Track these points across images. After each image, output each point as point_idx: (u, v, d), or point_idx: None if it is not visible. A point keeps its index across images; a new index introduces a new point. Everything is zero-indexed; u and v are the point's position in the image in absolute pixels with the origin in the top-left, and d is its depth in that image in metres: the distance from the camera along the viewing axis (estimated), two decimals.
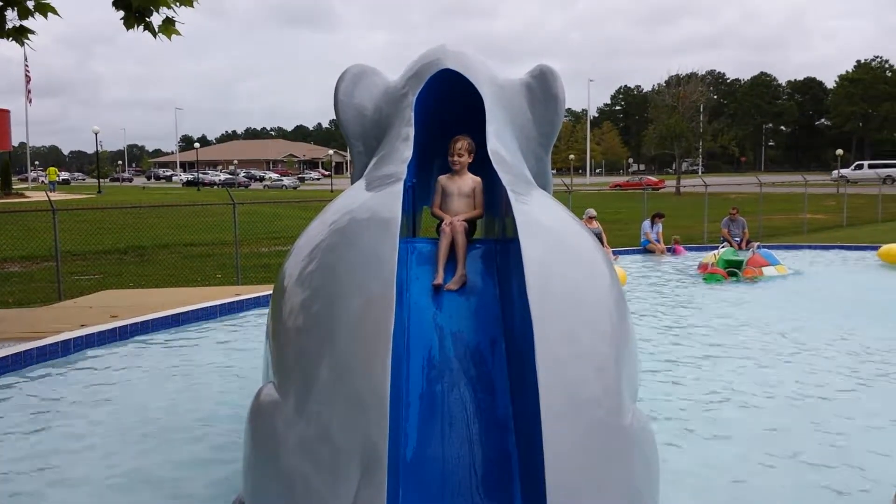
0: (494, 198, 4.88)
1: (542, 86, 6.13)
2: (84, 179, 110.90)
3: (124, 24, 8.09)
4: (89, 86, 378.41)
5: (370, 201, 4.18)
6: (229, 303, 10.21)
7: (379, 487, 2.73)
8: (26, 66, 63.99)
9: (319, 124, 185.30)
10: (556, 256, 3.70)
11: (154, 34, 8.11)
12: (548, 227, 4.03)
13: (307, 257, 3.86)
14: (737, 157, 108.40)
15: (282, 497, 3.03)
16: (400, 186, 4.16)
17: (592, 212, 17.49)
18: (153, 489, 4.83)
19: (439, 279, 4.38)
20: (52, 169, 73.70)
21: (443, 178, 4.96)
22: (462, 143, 4.90)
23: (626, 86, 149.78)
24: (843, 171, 61.52)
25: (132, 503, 4.65)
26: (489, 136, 5.27)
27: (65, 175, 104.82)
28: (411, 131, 5.35)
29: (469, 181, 4.87)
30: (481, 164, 5.10)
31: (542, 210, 4.29)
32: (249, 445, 3.36)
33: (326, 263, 3.70)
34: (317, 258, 3.79)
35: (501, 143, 5.40)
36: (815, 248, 19.31)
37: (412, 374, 3.91)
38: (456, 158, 4.89)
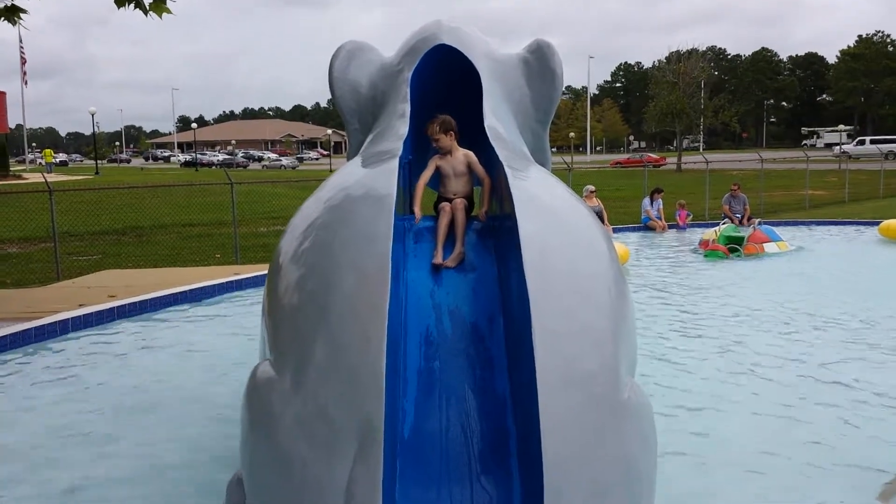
0: (492, 174, 4.82)
1: (539, 61, 6.05)
2: (82, 161, 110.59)
3: (115, 1, 8.00)
4: (85, 67, 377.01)
5: (365, 178, 4.14)
6: (227, 282, 10.20)
7: (375, 464, 2.71)
8: (21, 47, 63.66)
9: (318, 104, 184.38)
10: (554, 232, 3.67)
11: (145, 12, 8.03)
12: (545, 203, 3.99)
13: (302, 235, 3.82)
14: (738, 133, 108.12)
15: (278, 474, 3.02)
16: (395, 163, 4.12)
17: (592, 188, 17.41)
18: (151, 466, 4.83)
19: (438, 258, 4.34)
20: (47, 151, 73.63)
21: (436, 158, 4.81)
22: (432, 127, 4.68)
23: (626, 62, 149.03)
24: (846, 147, 61.28)
25: (129, 478, 4.65)
26: (486, 112, 5.21)
27: (62, 157, 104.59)
28: (407, 107, 5.29)
29: (461, 158, 4.75)
30: (478, 141, 5.05)
31: (539, 186, 4.25)
32: (246, 422, 3.34)
33: (321, 241, 3.67)
34: (311, 236, 3.75)
35: (498, 120, 5.34)
36: (817, 223, 19.28)
37: (410, 351, 3.88)
38: (434, 145, 4.75)
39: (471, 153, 4.76)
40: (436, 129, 4.68)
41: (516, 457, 3.38)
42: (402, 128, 5.03)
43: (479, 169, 4.75)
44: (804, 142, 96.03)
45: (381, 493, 2.66)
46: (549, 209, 3.95)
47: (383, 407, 2.80)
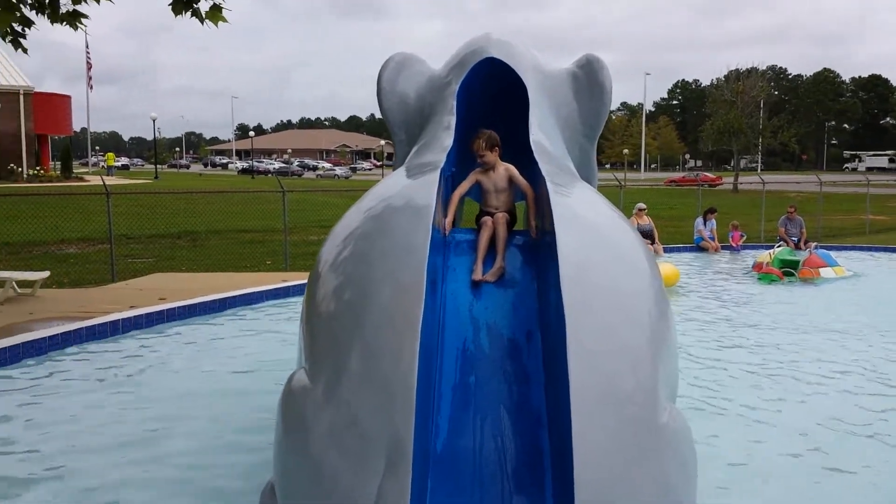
0: (535, 189, 4.78)
1: (588, 75, 6.00)
2: (143, 165, 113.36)
3: (172, 9, 8.18)
4: (150, 73, 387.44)
5: (405, 189, 4.14)
6: (275, 289, 10.31)
7: (403, 480, 2.69)
8: (88, 53, 65.65)
9: (373, 115, 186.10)
10: (593, 249, 3.61)
11: (201, 20, 8.19)
12: (586, 219, 3.94)
13: (342, 244, 3.84)
14: (797, 154, 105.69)
15: (309, 483, 3.02)
16: (436, 175, 4.10)
17: (642, 205, 17.17)
18: (189, 472, 4.88)
19: (478, 274, 4.29)
20: (110, 154, 75.70)
21: (478, 172, 4.77)
22: (478, 143, 4.65)
23: (683, 80, 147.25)
24: None
25: (171, 484, 4.70)
26: (532, 126, 5.18)
27: (124, 161, 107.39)
28: (453, 120, 5.29)
29: (502, 173, 4.70)
30: (524, 154, 5.01)
31: (580, 202, 4.20)
32: (280, 430, 3.35)
33: (359, 250, 3.68)
34: (350, 245, 3.76)
35: (544, 134, 5.30)
36: (877, 249, 18.70)
37: (445, 365, 3.85)
38: (479, 161, 4.70)
39: (511, 167, 4.73)
40: (482, 146, 4.65)
41: (550, 475, 3.33)
42: (447, 140, 5.02)
43: (522, 181, 4.70)
44: (845, 165, 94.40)
45: None
46: (589, 225, 3.90)
47: (413, 421, 2.78)
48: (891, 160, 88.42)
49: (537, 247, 4.56)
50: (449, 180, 4.89)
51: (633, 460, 2.85)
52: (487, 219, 4.56)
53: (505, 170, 4.70)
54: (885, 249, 18.74)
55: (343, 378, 3.09)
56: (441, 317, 4.04)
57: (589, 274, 3.37)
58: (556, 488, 3.22)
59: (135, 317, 8.38)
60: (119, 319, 8.19)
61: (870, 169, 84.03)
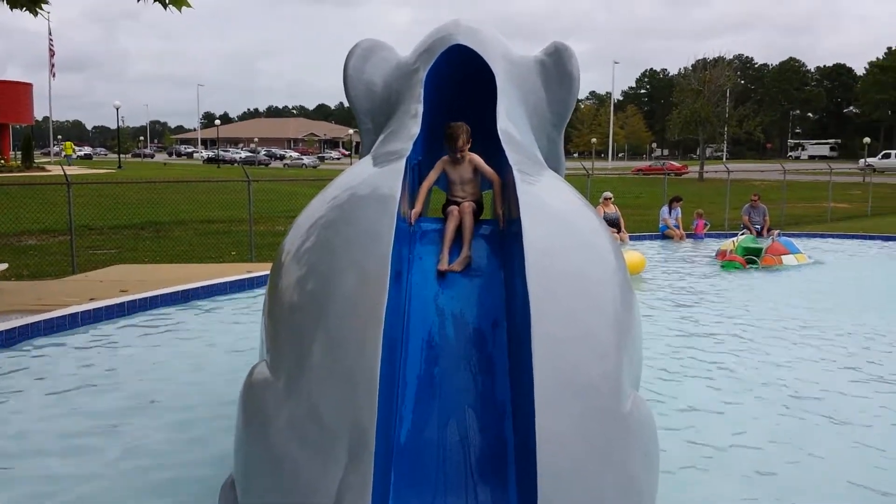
0: (502, 177, 4.75)
1: (556, 63, 5.98)
2: (106, 154, 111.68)
3: None
4: (114, 61, 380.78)
5: (370, 178, 4.09)
6: (239, 280, 10.18)
7: (366, 472, 2.65)
8: (50, 39, 64.43)
9: (341, 103, 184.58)
10: (559, 237, 3.60)
11: (164, 5, 8.02)
12: (552, 208, 3.92)
13: (305, 233, 3.78)
14: (762, 143, 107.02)
15: (269, 477, 2.97)
16: (402, 164, 4.06)
17: (609, 194, 17.28)
18: (147, 466, 4.79)
19: (444, 264, 4.26)
20: (67, 143, 74.14)
21: (445, 162, 4.74)
22: (462, 138, 4.62)
23: (651, 69, 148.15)
24: (871, 160, 60.59)
25: (124, 479, 4.61)
26: (500, 115, 5.15)
27: (87, 150, 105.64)
28: (420, 107, 5.24)
29: (467, 166, 4.69)
30: (492, 143, 4.98)
31: (547, 191, 4.18)
32: (240, 423, 3.30)
33: (323, 240, 3.63)
34: (314, 234, 3.71)
35: (512, 122, 5.28)
36: (838, 237, 18.99)
37: (410, 356, 3.82)
38: (458, 156, 4.67)
39: (476, 157, 4.70)
40: (465, 140, 4.63)
41: (514, 466, 3.31)
42: (414, 128, 4.98)
43: (488, 170, 4.68)
44: (789, 153, 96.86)
45: (370, 499, 2.60)
46: (555, 213, 3.88)
47: (376, 412, 2.74)
48: (832, 148, 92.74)
49: (504, 236, 4.54)
50: (416, 169, 4.85)
51: (597, 449, 2.85)
52: (454, 208, 4.53)
53: (469, 161, 4.67)
54: (846, 236, 19.05)
55: (305, 370, 3.05)
56: (406, 307, 4.00)
57: (554, 262, 3.35)
58: (520, 478, 3.20)
59: (94, 309, 8.21)
60: (78, 312, 8.02)
61: (812, 157, 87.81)
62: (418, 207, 4.56)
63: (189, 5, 8.16)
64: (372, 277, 3.14)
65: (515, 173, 4.02)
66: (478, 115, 5.54)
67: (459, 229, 4.47)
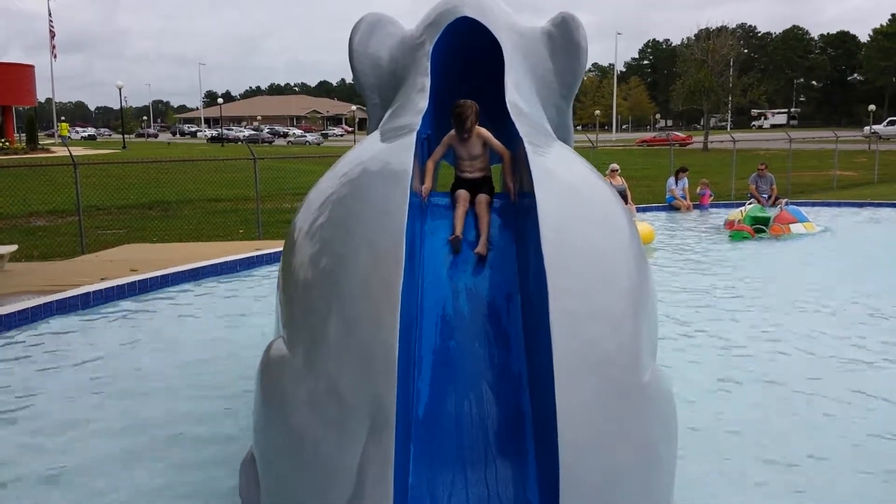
0: (512, 150, 4.72)
1: (563, 34, 5.92)
2: (110, 135, 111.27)
3: None
4: (114, 41, 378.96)
5: (381, 153, 4.07)
6: (248, 258, 10.20)
7: (386, 445, 2.67)
8: (51, 20, 64.06)
9: (343, 80, 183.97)
10: (573, 210, 3.58)
11: None
12: (565, 181, 3.89)
13: (317, 210, 3.76)
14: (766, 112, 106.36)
15: (289, 452, 2.99)
16: (412, 138, 4.03)
17: (615, 166, 17.18)
18: (166, 444, 4.83)
19: (457, 232, 4.24)
20: (63, 124, 73.60)
21: (452, 137, 4.67)
22: (470, 119, 4.52)
23: (654, 39, 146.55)
24: (876, 128, 60.19)
25: (145, 456, 4.66)
26: (508, 87, 5.11)
27: (91, 130, 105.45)
28: (427, 81, 5.20)
29: (475, 141, 4.62)
30: (500, 115, 4.95)
31: (559, 163, 4.15)
32: (259, 399, 3.31)
33: (336, 216, 3.61)
34: (326, 211, 3.69)
35: (520, 94, 5.24)
36: (845, 205, 18.92)
37: (425, 330, 3.83)
38: (465, 136, 4.60)
39: (485, 131, 4.65)
40: (473, 121, 4.54)
41: (532, 438, 3.33)
42: (422, 102, 4.94)
43: (498, 145, 4.64)
44: (752, 122, 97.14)
45: (392, 473, 2.61)
46: (568, 186, 3.85)
47: (395, 387, 2.75)
48: (791, 117, 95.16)
49: (515, 209, 4.52)
50: (424, 143, 4.82)
51: (617, 421, 2.85)
52: (462, 192, 4.47)
53: (477, 136, 4.61)
54: (853, 204, 18.98)
55: (322, 346, 3.05)
56: (420, 281, 4.00)
57: (569, 235, 3.33)
58: (539, 450, 3.22)
59: (105, 289, 8.25)
60: (90, 292, 8.05)
61: (774, 126, 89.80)
62: (428, 183, 4.53)
63: None
64: (387, 254, 3.13)
65: (527, 146, 3.99)
66: (485, 87, 5.50)
67: (474, 216, 4.42)
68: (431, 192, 4.61)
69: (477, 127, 4.60)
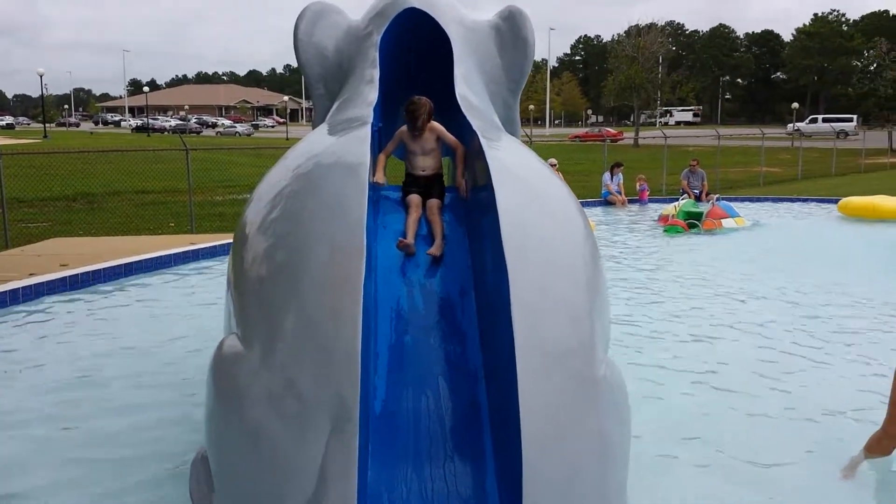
0: (464, 143, 4.70)
1: (511, 28, 5.93)
2: (29, 124, 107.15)
3: None
4: (33, 27, 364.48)
5: (335, 146, 4.00)
6: (184, 252, 9.93)
7: (350, 441, 2.63)
8: None
9: (273, 70, 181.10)
10: (531, 205, 3.58)
11: None
12: (521, 175, 3.90)
13: (269, 204, 3.67)
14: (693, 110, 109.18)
15: (247, 450, 2.91)
16: (367, 130, 3.98)
17: (554, 161, 17.35)
18: (106, 443, 4.67)
19: (409, 239, 4.18)
20: None
21: (404, 132, 4.63)
22: (422, 117, 4.47)
23: (586, 35, 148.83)
24: (798, 125, 62.39)
25: (86, 459, 4.49)
26: (457, 80, 5.10)
27: (9, 119, 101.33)
28: (376, 73, 5.14)
29: (428, 136, 4.58)
30: (449, 108, 4.92)
31: (514, 157, 4.15)
32: (212, 397, 3.22)
33: (290, 210, 3.52)
34: (280, 205, 3.60)
35: (470, 88, 5.23)
36: (772, 200, 19.55)
37: (381, 325, 3.79)
38: (415, 133, 4.55)
39: (437, 125, 4.61)
40: (425, 120, 4.49)
41: (489, 432, 3.33)
42: (372, 94, 4.88)
43: (450, 138, 4.61)
44: (658, 119, 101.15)
45: (356, 471, 2.57)
46: (524, 181, 3.86)
47: (358, 383, 2.70)
48: (694, 115, 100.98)
49: (467, 204, 4.51)
50: (375, 136, 4.76)
51: (577, 415, 2.87)
52: (414, 198, 4.40)
53: (430, 131, 4.57)
54: (779, 199, 19.62)
55: (281, 342, 2.98)
56: (374, 276, 3.95)
57: (528, 229, 3.34)
58: (497, 445, 3.22)
59: (35, 284, 7.92)
60: (18, 288, 7.72)
61: (678, 123, 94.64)
62: (380, 176, 4.48)
63: None
64: (346, 248, 3.07)
65: (482, 140, 3.98)
66: (433, 79, 5.47)
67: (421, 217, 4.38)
68: (384, 185, 4.55)
69: (430, 122, 4.56)
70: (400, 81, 5.73)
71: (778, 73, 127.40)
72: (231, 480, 3.01)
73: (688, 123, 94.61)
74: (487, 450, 3.26)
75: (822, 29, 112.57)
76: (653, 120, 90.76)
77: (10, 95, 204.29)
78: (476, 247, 4.13)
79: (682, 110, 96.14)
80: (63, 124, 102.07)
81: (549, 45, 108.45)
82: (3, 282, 7.89)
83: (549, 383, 2.85)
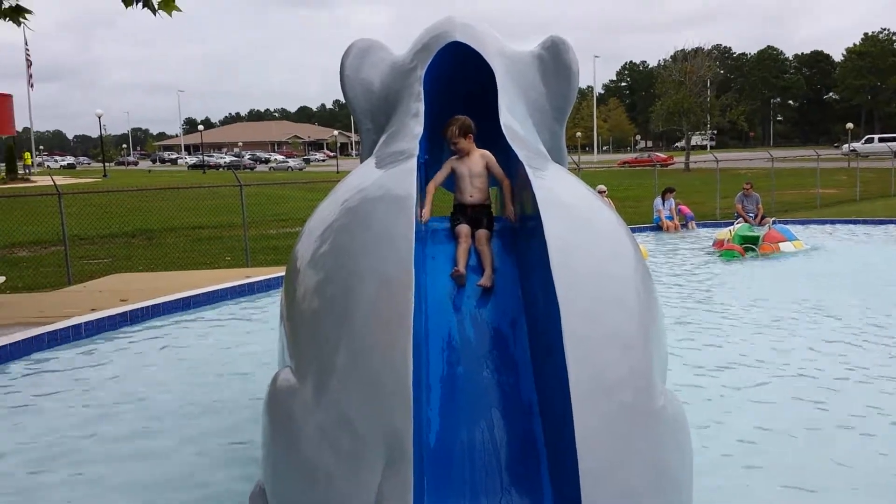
0: (510, 174, 4.71)
1: (554, 57, 5.95)
2: (89, 164, 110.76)
3: (123, 1, 7.90)
4: (91, 69, 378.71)
5: (382, 179, 4.04)
6: (240, 285, 10.10)
7: (405, 478, 2.63)
8: (27, 49, 63.77)
9: (323, 105, 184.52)
10: (579, 233, 3.57)
11: (154, 11, 7.91)
12: (569, 203, 3.88)
13: (319, 238, 3.73)
14: (746, 132, 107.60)
15: (302, 484, 2.94)
16: (413, 163, 4.02)
17: (603, 188, 17.27)
18: (170, 477, 4.74)
19: (461, 268, 4.17)
20: (27, 154, 72.49)
21: (452, 160, 4.64)
22: (451, 130, 4.51)
23: (631, 61, 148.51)
24: (854, 145, 61.04)
25: (155, 491, 4.56)
26: (501, 111, 5.11)
27: (70, 159, 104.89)
28: (421, 106, 5.20)
29: (478, 160, 4.58)
30: (494, 139, 4.94)
31: (561, 185, 4.14)
32: (268, 431, 3.25)
33: (340, 244, 3.57)
34: (329, 239, 3.65)
35: (514, 118, 5.24)
36: (830, 222, 19.08)
37: (432, 357, 3.79)
38: (452, 148, 4.58)
39: (488, 153, 4.62)
40: (455, 133, 4.52)
41: (545, 464, 3.29)
42: (417, 127, 4.93)
43: (498, 170, 4.61)
44: (675, 144, 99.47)
45: None
46: (573, 209, 3.84)
47: (411, 417, 2.71)
48: (711, 137, 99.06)
49: (516, 233, 4.50)
50: (422, 168, 4.80)
51: (634, 447, 2.83)
52: (463, 228, 4.36)
53: (481, 156, 4.58)
54: (837, 222, 19.14)
55: (333, 375, 3.01)
56: (424, 307, 3.96)
57: (577, 259, 3.32)
58: (553, 476, 3.18)
59: (97, 320, 8.13)
60: (81, 323, 7.94)
61: (694, 147, 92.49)
62: (428, 207, 4.50)
63: (178, 9, 8.06)
64: (396, 280, 3.10)
65: (527, 169, 3.98)
66: (479, 111, 5.50)
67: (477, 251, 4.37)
68: (432, 216, 4.57)
69: (480, 149, 4.59)
70: (445, 115, 5.78)
71: (830, 94, 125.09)
72: None
73: (702, 148, 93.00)
74: (544, 483, 3.22)
75: (873, 48, 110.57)
76: (703, 144, 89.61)
77: (70, 136, 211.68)
78: (525, 276, 4.12)
79: (699, 134, 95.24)
80: (122, 163, 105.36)
81: (595, 72, 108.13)
82: (66, 317, 8.12)
83: (605, 414, 2.81)
